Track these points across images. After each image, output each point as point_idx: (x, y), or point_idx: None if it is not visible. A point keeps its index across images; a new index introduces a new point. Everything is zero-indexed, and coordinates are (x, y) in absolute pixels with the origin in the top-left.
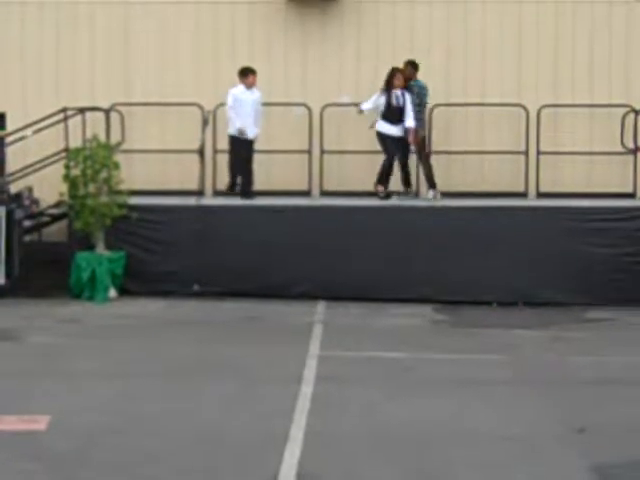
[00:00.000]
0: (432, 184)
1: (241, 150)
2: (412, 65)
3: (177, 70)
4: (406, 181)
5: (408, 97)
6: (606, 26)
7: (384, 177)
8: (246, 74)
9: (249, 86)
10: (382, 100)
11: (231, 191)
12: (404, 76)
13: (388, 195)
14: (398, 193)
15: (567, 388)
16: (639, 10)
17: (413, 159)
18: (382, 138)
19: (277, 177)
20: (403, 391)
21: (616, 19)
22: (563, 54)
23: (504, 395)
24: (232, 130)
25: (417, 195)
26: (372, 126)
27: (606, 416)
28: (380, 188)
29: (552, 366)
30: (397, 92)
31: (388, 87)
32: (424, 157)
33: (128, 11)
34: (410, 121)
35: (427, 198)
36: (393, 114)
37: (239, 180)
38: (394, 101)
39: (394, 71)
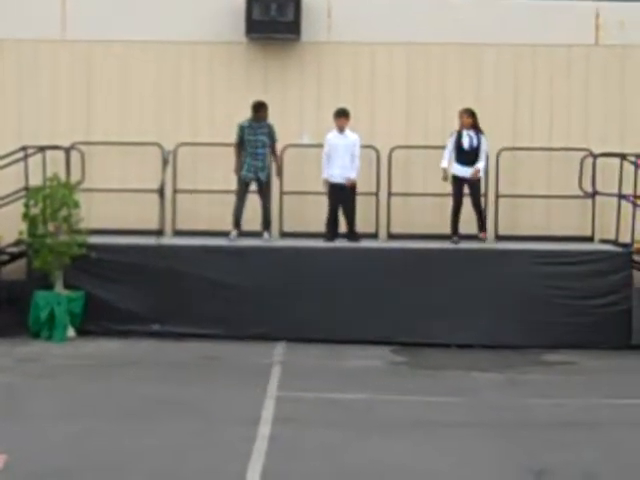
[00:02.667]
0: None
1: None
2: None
3: (138, 109)
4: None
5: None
6: (565, 69)
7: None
8: (336, 116)
9: (340, 129)
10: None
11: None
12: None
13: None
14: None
15: (524, 431)
16: (599, 53)
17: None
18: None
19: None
20: (361, 433)
21: (575, 62)
22: (523, 97)
23: (462, 437)
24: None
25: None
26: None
27: (563, 459)
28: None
29: (509, 409)
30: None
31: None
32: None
33: (90, 50)
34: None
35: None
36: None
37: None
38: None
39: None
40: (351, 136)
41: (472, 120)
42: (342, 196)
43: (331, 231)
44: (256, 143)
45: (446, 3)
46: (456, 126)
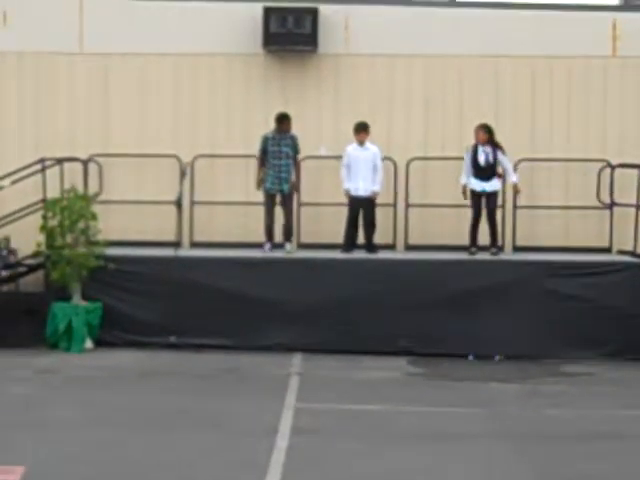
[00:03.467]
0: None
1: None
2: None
3: (156, 121)
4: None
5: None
6: (583, 81)
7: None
8: (356, 130)
9: (360, 142)
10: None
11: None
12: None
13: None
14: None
15: (543, 442)
16: (615, 64)
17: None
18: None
19: (256, 229)
20: (380, 444)
21: (594, 74)
22: (541, 109)
23: (480, 449)
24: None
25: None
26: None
27: (582, 471)
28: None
29: (529, 420)
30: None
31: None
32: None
33: (108, 62)
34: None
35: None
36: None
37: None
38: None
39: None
40: (372, 148)
41: (488, 136)
42: (363, 208)
43: (349, 243)
44: (280, 154)
45: (464, 15)
46: (472, 140)
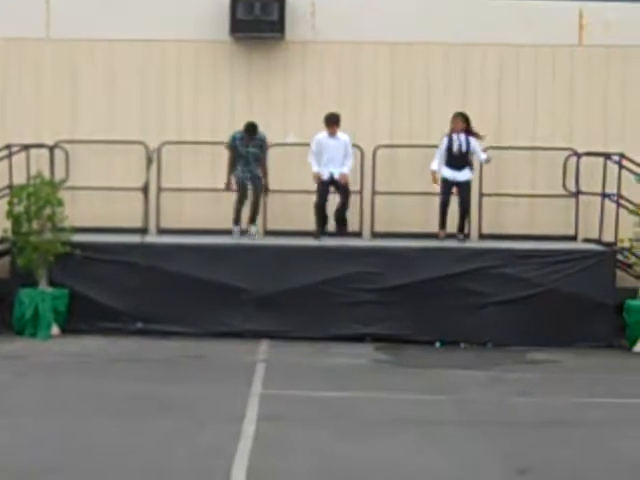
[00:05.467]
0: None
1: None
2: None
3: (122, 108)
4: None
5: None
6: (549, 69)
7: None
8: (327, 122)
9: (331, 134)
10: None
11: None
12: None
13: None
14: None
15: (508, 429)
16: (581, 53)
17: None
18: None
19: (223, 215)
20: (346, 431)
21: (559, 62)
22: (507, 97)
23: (446, 435)
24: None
25: None
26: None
27: (547, 458)
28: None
29: (494, 407)
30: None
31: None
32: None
33: (75, 48)
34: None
35: None
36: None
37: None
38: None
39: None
40: (342, 137)
41: (465, 125)
42: (337, 190)
43: (321, 230)
44: (247, 155)
45: (432, 3)
46: (445, 128)
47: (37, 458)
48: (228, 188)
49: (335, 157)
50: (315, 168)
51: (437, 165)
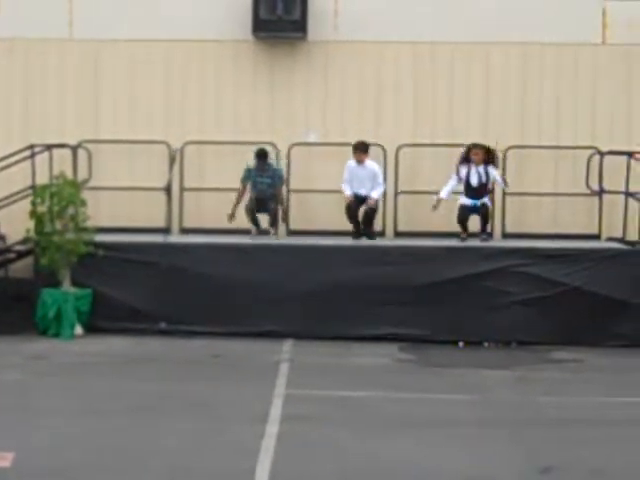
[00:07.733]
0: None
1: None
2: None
3: (145, 108)
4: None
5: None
6: (572, 68)
7: None
8: (354, 150)
9: (359, 162)
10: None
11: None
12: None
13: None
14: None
15: (532, 428)
16: (604, 52)
17: None
18: None
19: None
20: (371, 431)
21: (582, 61)
22: (530, 96)
23: (470, 435)
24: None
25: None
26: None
27: (570, 457)
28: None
29: (518, 406)
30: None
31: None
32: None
33: (98, 49)
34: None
35: None
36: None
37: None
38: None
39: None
40: (370, 166)
41: (484, 157)
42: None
43: (356, 228)
44: (262, 185)
45: (454, 2)
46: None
47: (59, 459)
48: (232, 219)
49: (364, 184)
50: (347, 192)
51: (446, 194)
